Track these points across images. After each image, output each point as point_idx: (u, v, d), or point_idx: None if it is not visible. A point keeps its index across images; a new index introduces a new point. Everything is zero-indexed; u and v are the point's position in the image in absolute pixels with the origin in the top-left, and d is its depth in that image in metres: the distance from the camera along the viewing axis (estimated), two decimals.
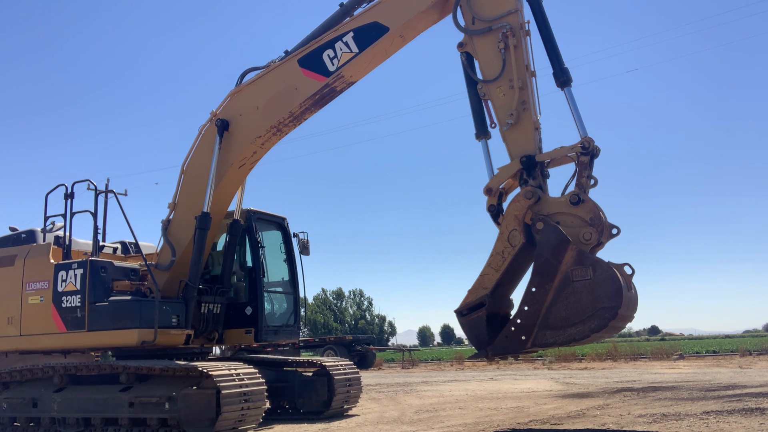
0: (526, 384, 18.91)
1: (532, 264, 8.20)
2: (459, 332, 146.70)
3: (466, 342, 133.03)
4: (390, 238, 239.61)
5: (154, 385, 9.52)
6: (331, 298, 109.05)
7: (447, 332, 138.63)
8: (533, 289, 8.05)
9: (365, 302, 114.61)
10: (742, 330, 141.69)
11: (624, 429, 9.11)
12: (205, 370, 8.90)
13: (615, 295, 7.63)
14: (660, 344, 45.12)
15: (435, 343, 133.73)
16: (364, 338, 39.61)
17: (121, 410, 9.45)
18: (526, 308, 8.06)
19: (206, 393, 8.90)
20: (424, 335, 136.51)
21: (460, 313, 8.66)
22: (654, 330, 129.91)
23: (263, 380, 9.59)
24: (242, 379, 9.13)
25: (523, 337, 8.05)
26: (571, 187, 8.50)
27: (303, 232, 12.54)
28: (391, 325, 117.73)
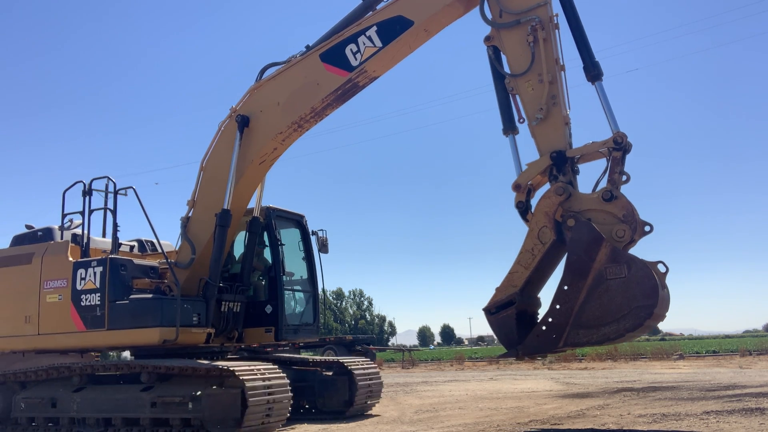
0: (526, 384, 18.91)
1: (564, 261, 8.07)
2: (459, 332, 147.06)
3: (467, 342, 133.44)
4: (390, 238, 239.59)
5: (177, 385, 9.35)
6: (331, 298, 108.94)
7: (447, 332, 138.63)
8: (565, 288, 7.91)
9: (365, 302, 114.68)
10: (742, 330, 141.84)
11: (624, 429, 9.04)
12: (231, 370, 8.75)
13: (651, 293, 7.51)
14: (660, 344, 45.13)
15: (435, 343, 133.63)
16: (364, 338, 39.47)
17: (143, 410, 9.27)
18: (558, 307, 7.92)
19: (231, 393, 8.74)
20: (424, 335, 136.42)
21: (489, 311, 8.54)
22: (654, 330, 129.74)
23: (287, 380, 9.45)
24: (267, 379, 8.99)
25: (555, 337, 7.93)
26: (602, 184, 8.40)
27: (322, 230, 12.41)
28: (391, 325, 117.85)
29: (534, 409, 11.87)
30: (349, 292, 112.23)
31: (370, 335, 61.54)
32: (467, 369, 32.46)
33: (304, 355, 15.46)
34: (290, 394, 9.41)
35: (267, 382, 8.95)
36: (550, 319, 7.95)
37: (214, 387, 9.01)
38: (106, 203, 10.50)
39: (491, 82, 9.63)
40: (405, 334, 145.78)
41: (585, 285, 7.77)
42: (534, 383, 19.05)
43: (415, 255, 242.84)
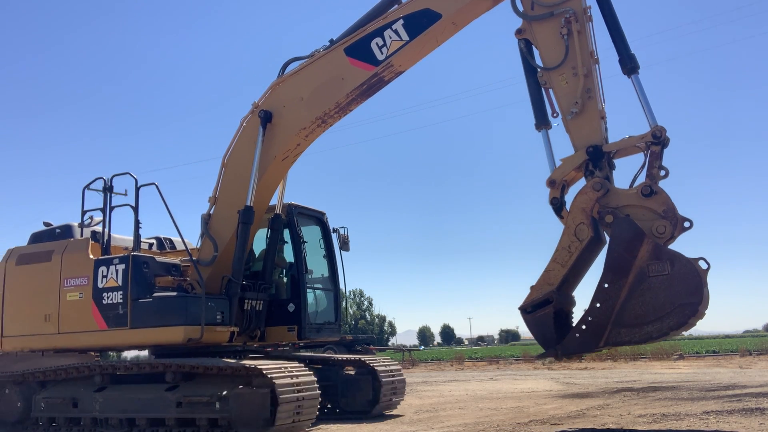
0: (526, 384, 18.86)
1: (605, 259, 7.90)
2: (459, 332, 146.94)
3: (467, 342, 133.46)
4: (390, 238, 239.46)
5: (203, 384, 9.16)
6: None
7: (447, 332, 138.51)
8: (606, 285, 7.76)
9: (365, 302, 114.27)
10: (742, 330, 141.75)
11: (624, 429, 8.94)
12: (260, 369, 8.56)
13: (695, 290, 7.38)
14: (660, 344, 44.81)
15: (435, 343, 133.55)
16: (364, 338, 39.30)
17: (168, 410, 9.08)
18: (598, 305, 7.77)
19: (260, 392, 8.53)
20: (424, 335, 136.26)
21: (525, 310, 8.37)
22: None
23: (315, 378, 9.28)
24: (296, 377, 8.81)
25: (596, 336, 7.79)
26: (641, 179, 8.24)
27: (343, 227, 12.21)
28: (391, 325, 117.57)
29: (534, 409, 11.80)
30: (349, 292, 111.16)
31: (370, 335, 61.37)
32: (467, 369, 32.50)
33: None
34: (318, 393, 9.23)
35: (296, 381, 8.78)
36: (590, 318, 7.80)
37: (242, 386, 8.81)
38: (105, 202, 10.32)
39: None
40: (405, 334, 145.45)
41: (626, 283, 7.63)
42: (534, 383, 19.01)
43: (415, 254, 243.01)
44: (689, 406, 11.19)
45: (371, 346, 37.58)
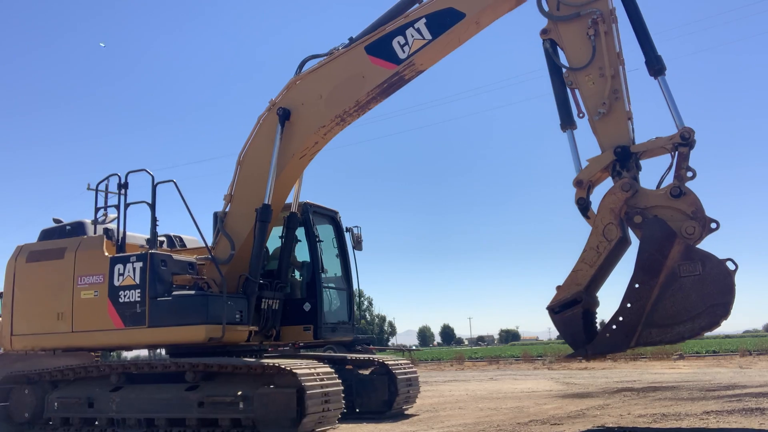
0: (526, 384, 18.80)
1: (636, 259, 7.85)
2: (459, 332, 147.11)
3: (467, 342, 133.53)
4: (390, 238, 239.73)
5: (224, 384, 9.04)
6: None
7: (447, 332, 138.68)
8: (636, 286, 7.74)
9: (365, 302, 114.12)
10: (742, 330, 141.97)
11: (624, 429, 8.89)
12: (289, 368, 8.45)
13: (727, 291, 7.39)
14: None
15: (435, 343, 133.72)
16: (364, 338, 39.11)
17: (189, 410, 8.95)
18: (629, 305, 7.74)
19: (286, 392, 8.41)
20: (424, 335, 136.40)
21: (552, 310, 8.33)
22: None
23: (340, 381, 9.21)
24: (322, 378, 8.71)
25: (627, 336, 7.76)
26: (668, 180, 8.18)
27: (357, 227, 12.14)
28: (391, 325, 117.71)
29: (534, 409, 11.73)
30: None
31: (370, 335, 61.25)
32: (467, 369, 32.45)
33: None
34: (342, 393, 9.18)
35: (322, 381, 8.69)
36: (620, 318, 7.76)
37: (267, 386, 8.70)
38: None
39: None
40: (405, 334, 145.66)
41: (657, 283, 7.62)
42: (534, 383, 18.95)
43: (415, 254, 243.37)
44: (689, 406, 11.16)
45: (371, 346, 37.52)
